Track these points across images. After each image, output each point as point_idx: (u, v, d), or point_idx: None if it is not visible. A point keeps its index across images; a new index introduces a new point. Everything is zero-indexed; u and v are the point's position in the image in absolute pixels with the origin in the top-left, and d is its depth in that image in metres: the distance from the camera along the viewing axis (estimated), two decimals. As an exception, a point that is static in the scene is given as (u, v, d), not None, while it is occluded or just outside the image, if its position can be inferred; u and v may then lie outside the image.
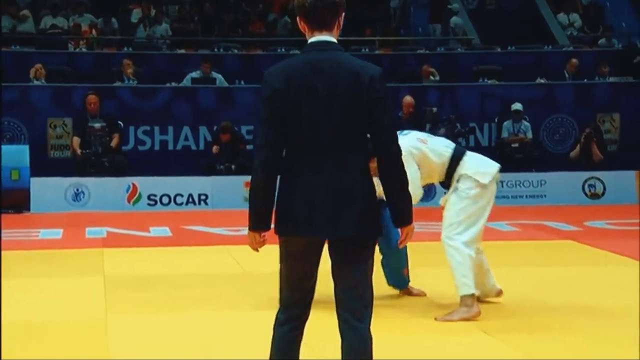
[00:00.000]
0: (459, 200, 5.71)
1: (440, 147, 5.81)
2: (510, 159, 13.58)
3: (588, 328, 5.49)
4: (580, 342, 5.16)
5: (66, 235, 10.06)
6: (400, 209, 3.41)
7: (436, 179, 5.90)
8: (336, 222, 3.31)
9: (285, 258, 3.44)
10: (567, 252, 8.73)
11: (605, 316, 5.82)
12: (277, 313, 3.52)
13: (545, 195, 13.01)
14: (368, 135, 3.38)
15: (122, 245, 9.18)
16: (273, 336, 3.51)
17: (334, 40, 3.39)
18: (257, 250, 3.48)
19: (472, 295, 5.63)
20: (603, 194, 13.13)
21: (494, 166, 5.85)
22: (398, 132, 5.59)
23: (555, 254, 8.66)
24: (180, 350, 5.02)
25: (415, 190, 5.29)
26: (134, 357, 4.87)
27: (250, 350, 4.95)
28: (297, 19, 3.44)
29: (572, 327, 5.50)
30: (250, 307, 6.10)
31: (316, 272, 3.47)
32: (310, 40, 3.39)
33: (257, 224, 3.39)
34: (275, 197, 3.39)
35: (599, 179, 13.18)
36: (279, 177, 3.37)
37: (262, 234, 3.41)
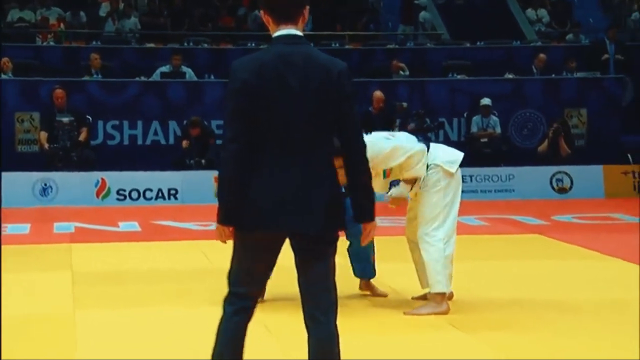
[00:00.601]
0: (430, 195, 5.73)
1: (407, 140, 5.84)
2: (479, 153, 13.68)
3: (556, 322, 5.53)
4: (549, 337, 5.19)
5: (34, 231, 9.96)
6: (363, 204, 3.42)
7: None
8: (303, 218, 3.30)
9: (246, 252, 3.41)
10: (535, 246, 8.79)
11: (573, 311, 5.86)
12: (225, 305, 3.48)
13: (513, 190, 13.09)
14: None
15: (90, 241, 9.11)
16: (220, 329, 3.47)
17: (301, 33, 3.37)
18: (225, 243, 3.45)
19: (444, 293, 5.65)
20: (570, 188, 13.23)
21: (459, 154, 5.94)
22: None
23: (523, 248, 8.71)
24: (149, 345, 4.98)
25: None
26: (101, 352, 4.84)
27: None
28: (261, 12, 3.41)
29: (541, 322, 5.53)
30: (219, 302, 6.06)
31: (274, 265, 3.47)
32: (277, 34, 3.37)
33: (226, 217, 3.36)
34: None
35: (566, 174, 13.28)
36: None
37: (231, 228, 3.39)
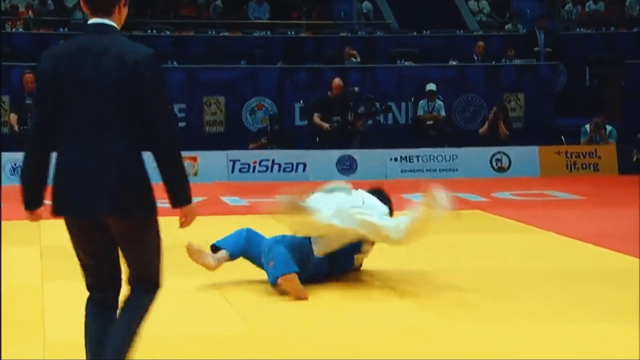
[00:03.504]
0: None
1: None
2: (425, 135, 13.77)
3: (493, 289, 5.61)
4: (485, 300, 5.27)
5: (4, 208, 9.81)
6: (175, 188, 3.28)
7: None
8: (87, 202, 3.18)
9: (71, 238, 3.34)
10: (476, 221, 8.87)
11: (510, 278, 5.95)
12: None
13: (456, 169, 13.19)
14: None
15: (59, 217, 9.00)
16: (85, 319, 3.42)
17: (112, 24, 3.27)
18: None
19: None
20: (509, 167, 13.37)
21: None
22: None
23: (464, 222, 8.78)
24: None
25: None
26: (69, 320, 4.80)
27: (177, 310, 4.98)
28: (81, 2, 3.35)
29: (480, 290, 5.61)
30: (182, 274, 6.06)
31: (108, 252, 3.31)
32: (88, 22, 3.32)
33: (28, 202, 3.36)
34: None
35: (505, 154, 13.42)
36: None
37: (35, 211, 3.35)
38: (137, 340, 3.28)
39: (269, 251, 5.44)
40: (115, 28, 3.27)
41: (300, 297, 5.28)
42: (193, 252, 5.60)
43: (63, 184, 3.21)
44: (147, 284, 3.35)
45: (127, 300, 3.34)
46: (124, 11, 3.31)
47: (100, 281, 3.37)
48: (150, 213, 3.27)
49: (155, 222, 3.32)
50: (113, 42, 3.22)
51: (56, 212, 3.25)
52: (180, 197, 3.28)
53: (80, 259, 3.37)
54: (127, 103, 3.15)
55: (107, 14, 3.25)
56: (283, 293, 5.35)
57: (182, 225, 3.35)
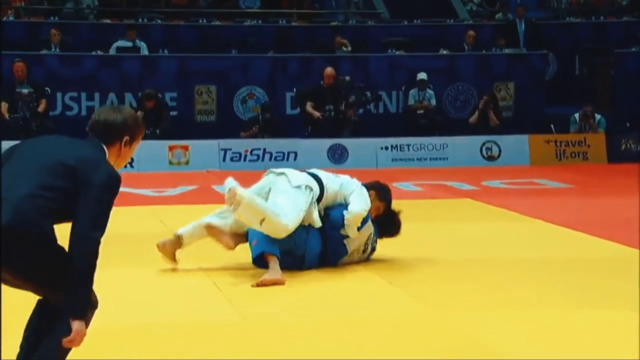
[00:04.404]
0: None
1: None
2: (415, 124, 13.78)
3: (482, 276, 5.64)
4: (474, 288, 5.29)
5: None
6: (71, 297, 3.04)
7: None
8: None
9: None
10: (466, 210, 8.91)
11: (499, 266, 5.97)
12: None
13: (447, 158, 13.21)
14: None
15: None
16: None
17: (105, 150, 3.24)
18: None
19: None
20: (499, 156, 13.40)
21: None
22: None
23: (455, 211, 8.83)
24: (107, 304, 4.96)
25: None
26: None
27: (171, 300, 4.97)
28: None
29: (470, 278, 5.63)
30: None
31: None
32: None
33: None
34: None
35: (495, 143, 13.45)
36: None
37: None
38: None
39: (252, 230, 5.48)
40: (104, 154, 3.21)
41: (277, 282, 5.28)
42: (214, 231, 5.59)
43: None
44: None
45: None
46: (125, 151, 3.29)
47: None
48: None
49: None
50: (89, 149, 3.19)
51: None
52: (73, 308, 3.03)
53: None
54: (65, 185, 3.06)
55: (106, 144, 3.25)
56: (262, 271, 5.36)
57: (66, 344, 3.04)
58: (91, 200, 3.06)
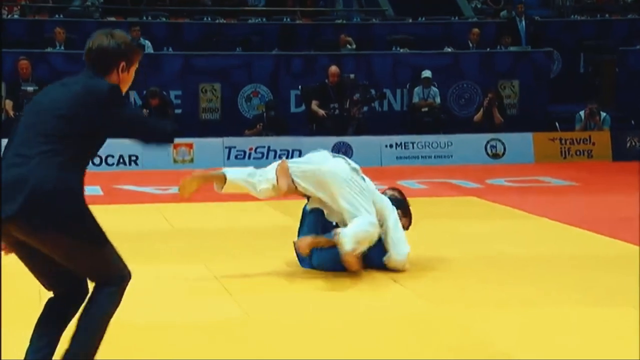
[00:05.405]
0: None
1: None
2: (420, 122, 13.77)
3: (489, 276, 5.62)
4: (476, 284, 5.28)
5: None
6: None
7: None
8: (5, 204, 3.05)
9: None
10: (470, 207, 8.90)
11: (503, 264, 5.97)
12: None
13: (451, 156, 13.21)
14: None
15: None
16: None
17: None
18: None
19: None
20: (503, 154, 13.39)
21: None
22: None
23: (459, 209, 8.82)
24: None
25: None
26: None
27: (174, 297, 4.96)
28: None
29: (475, 276, 5.62)
30: (179, 261, 6.07)
31: (47, 260, 3.21)
32: None
33: None
34: None
35: (499, 140, 13.43)
36: None
37: None
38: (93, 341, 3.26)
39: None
40: (95, 79, 3.26)
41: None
42: (284, 172, 5.65)
43: None
44: (97, 285, 3.30)
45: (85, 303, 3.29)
46: (124, 77, 3.37)
47: (54, 289, 3.41)
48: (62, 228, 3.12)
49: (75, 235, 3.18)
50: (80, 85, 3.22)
51: None
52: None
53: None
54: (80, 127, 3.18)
55: (104, 74, 3.28)
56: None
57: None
58: (124, 121, 3.30)
